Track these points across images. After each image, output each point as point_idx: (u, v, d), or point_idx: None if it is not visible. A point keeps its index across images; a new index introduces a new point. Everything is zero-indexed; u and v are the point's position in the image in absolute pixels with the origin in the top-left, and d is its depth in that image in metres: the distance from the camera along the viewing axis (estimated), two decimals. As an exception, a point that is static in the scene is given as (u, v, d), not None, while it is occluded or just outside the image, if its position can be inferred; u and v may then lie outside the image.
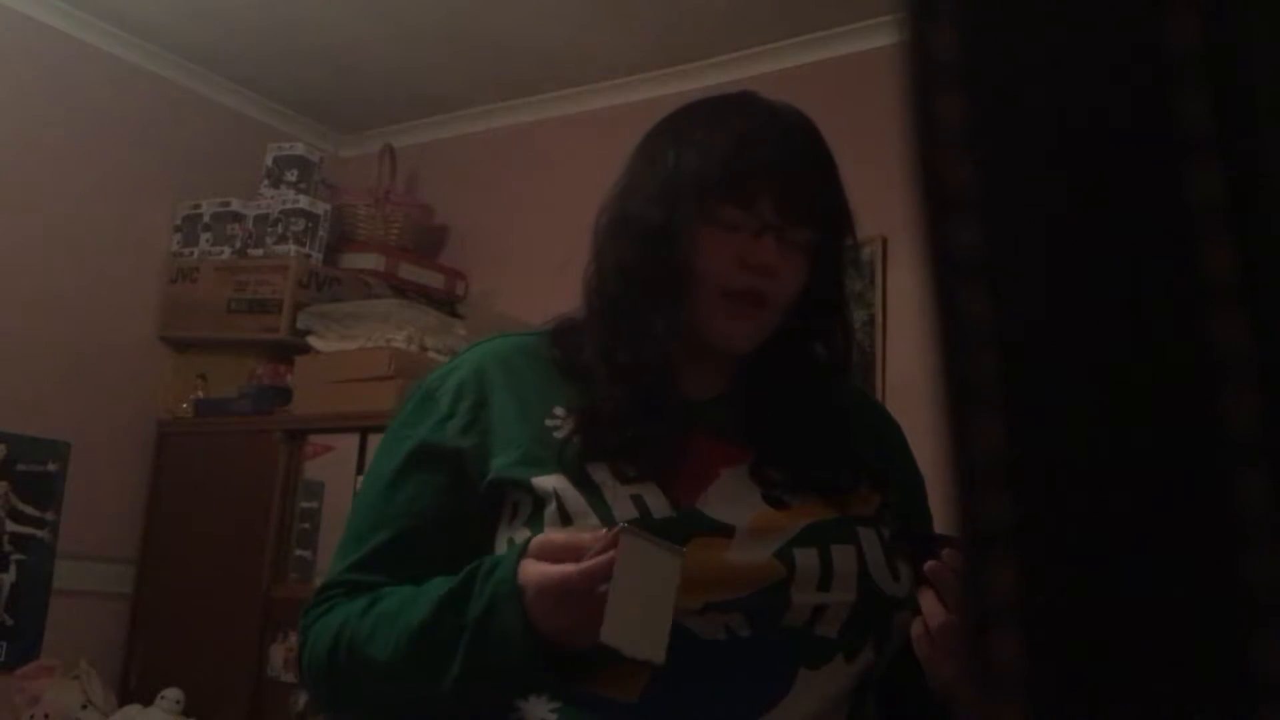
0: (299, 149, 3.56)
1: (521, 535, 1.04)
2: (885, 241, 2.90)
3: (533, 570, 0.96)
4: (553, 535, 0.99)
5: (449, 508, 1.09)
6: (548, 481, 1.05)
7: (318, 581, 3.57)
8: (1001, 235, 0.26)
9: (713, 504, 1.05)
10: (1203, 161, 0.24)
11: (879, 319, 2.89)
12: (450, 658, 0.99)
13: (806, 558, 1.03)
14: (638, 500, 1.03)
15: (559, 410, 1.10)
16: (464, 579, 1.01)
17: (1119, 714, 0.24)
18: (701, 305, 1.10)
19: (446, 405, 1.12)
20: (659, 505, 1.03)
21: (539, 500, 1.05)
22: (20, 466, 3.14)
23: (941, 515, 1.20)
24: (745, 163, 1.09)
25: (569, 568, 0.94)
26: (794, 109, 1.17)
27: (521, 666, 0.97)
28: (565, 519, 1.03)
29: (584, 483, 1.05)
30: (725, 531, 1.03)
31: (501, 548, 1.06)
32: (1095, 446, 0.25)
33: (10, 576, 3.10)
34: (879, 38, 2.97)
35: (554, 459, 1.06)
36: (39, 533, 3.17)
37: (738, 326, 1.11)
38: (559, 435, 1.08)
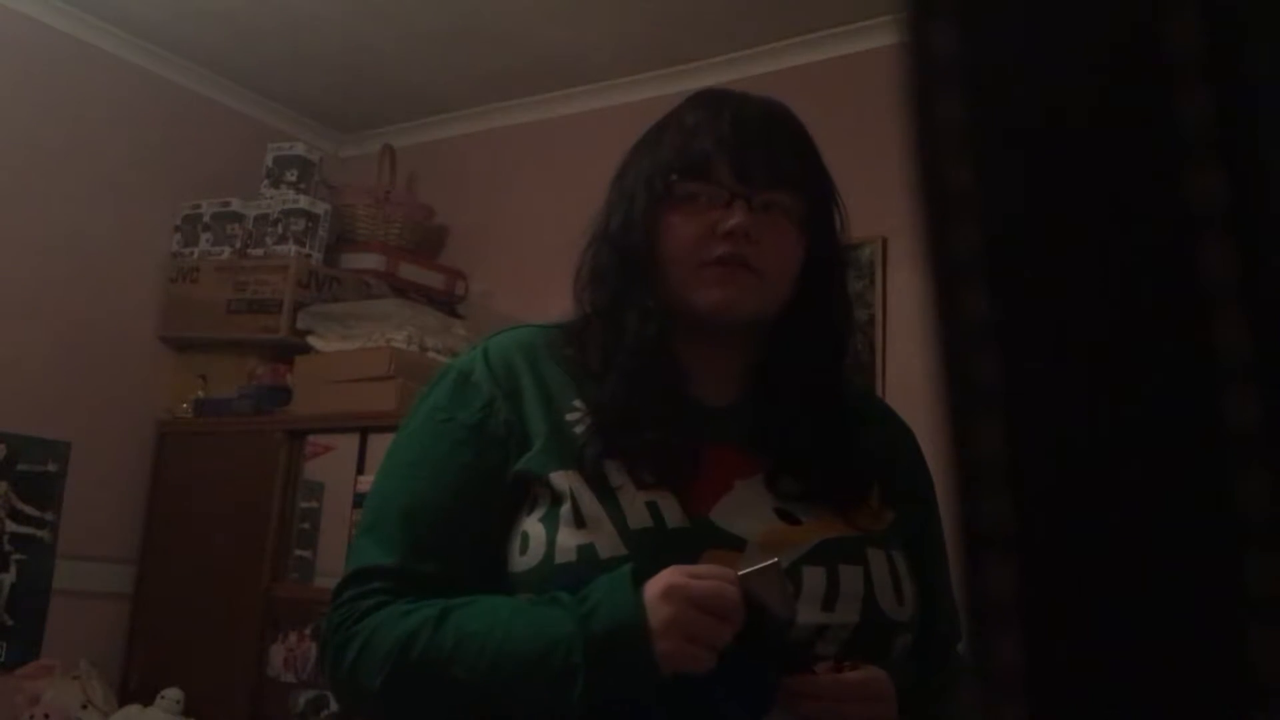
0: (299, 149, 3.56)
1: (535, 529, 1.05)
2: (885, 241, 2.90)
3: (679, 575, 0.96)
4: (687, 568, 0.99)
5: (493, 493, 1.08)
6: (564, 479, 1.05)
7: (318, 581, 3.52)
8: (1001, 235, 0.26)
9: (725, 516, 1.05)
10: (1203, 161, 0.24)
11: (879, 319, 2.89)
12: (570, 681, 0.96)
13: (814, 576, 1.03)
14: (652, 507, 1.04)
15: (578, 403, 1.11)
16: (557, 600, 0.99)
17: (1119, 714, 0.24)
18: (686, 281, 1.11)
19: (488, 390, 1.12)
20: (673, 514, 1.04)
21: (556, 496, 1.05)
22: (20, 466, 3.14)
23: (942, 515, 1.20)
24: (696, 140, 1.12)
25: (723, 580, 0.96)
26: (747, 93, 1.19)
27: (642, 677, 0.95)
28: (579, 521, 1.03)
29: (600, 484, 1.05)
30: (736, 545, 1.03)
31: (516, 539, 1.06)
32: (1095, 446, 0.25)
33: (10, 576, 3.10)
34: (879, 38, 2.97)
35: (572, 454, 1.07)
36: (39, 533, 3.17)
37: (721, 292, 1.11)
38: (578, 430, 1.09)
